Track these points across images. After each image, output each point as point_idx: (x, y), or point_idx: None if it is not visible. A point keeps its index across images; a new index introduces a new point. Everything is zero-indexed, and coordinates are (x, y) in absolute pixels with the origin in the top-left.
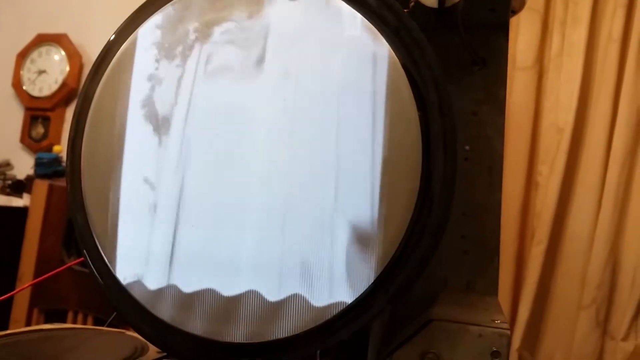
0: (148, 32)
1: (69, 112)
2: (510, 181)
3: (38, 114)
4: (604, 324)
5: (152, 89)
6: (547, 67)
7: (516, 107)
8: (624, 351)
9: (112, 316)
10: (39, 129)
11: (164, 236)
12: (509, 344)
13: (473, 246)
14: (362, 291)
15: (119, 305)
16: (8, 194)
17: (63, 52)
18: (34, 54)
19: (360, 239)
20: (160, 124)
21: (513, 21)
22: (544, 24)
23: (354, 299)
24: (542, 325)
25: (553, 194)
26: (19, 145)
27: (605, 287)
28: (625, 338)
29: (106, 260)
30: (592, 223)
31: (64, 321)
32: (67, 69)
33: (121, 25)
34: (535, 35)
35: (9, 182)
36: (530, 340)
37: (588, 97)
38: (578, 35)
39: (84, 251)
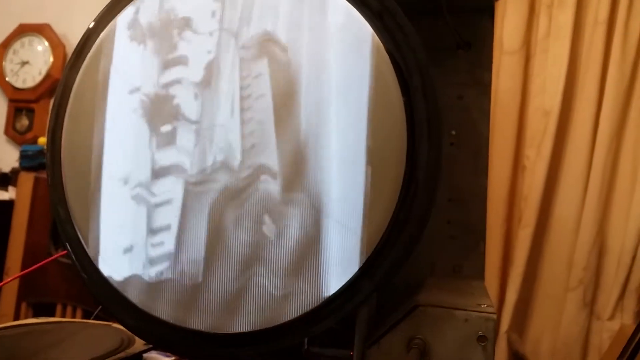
0: (127, 18)
1: None
2: (498, 165)
3: (22, 106)
4: (590, 305)
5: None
6: (534, 51)
7: (503, 91)
8: (610, 330)
9: (98, 309)
10: (24, 121)
11: (147, 228)
12: (495, 328)
13: (459, 231)
14: (348, 279)
15: (102, 298)
16: None
17: (46, 43)
18: (17, 45)
19: (346, 226)
20: (144, 114)
21: (500, 5)
22: (531, 7)
23: (340, 286)
24: (530, 307)
25: (540, 178)
26: (3, 137)
27: (592, 269)
28: (611, 318)
29: (89, 254)
30: (579, 206)
31: (53, 314)
32: (51, 59)
33: (100, 12)
34: (522, 19)
35: None
36: (518, 322)
37: (574, 80)
38: (565, 18)
39: (67, 244)
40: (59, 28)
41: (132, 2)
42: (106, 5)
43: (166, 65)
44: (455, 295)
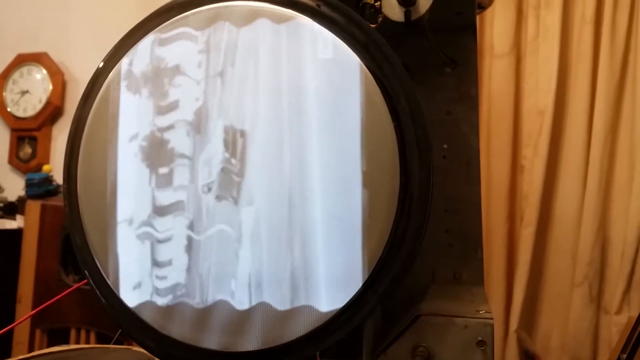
0: (124, 70)
1: (56, 131)
2: (496, 166)
3: (24, 135)
4: (597, 300)
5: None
6: (524, 52)
7: (497, 94)
8: (618, 324)
9: (118, 333)
10: (27, 149)
11: (165, 253)
12: (492, 333)
13: (457, 239)
14: (353, 294)
15: (122, 322)
16: (1, 217)
17: (44, 71)
18: (16, 75)
19: (348, 245)
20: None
21: (487, 9)
22: (518, 10)
23: (347, 301)
24: (537, 306)
25: (539, 176)
26: (8, 167)
27: (596, 263)
28: (618, 311)
29: (107, 281)
30: (579, 201)
31: (67, 339)
32: (50, 87)
33: (108, 53)
34: (510, 21)
35: (1, 204)
36: (527, 320)
37: (566, 79)
38: (552, 18)
39: (86, 272)
40: (56, 56)
41: (135, 46)
42: (114, 46)
43: (160, 112)
44: (456, 302)
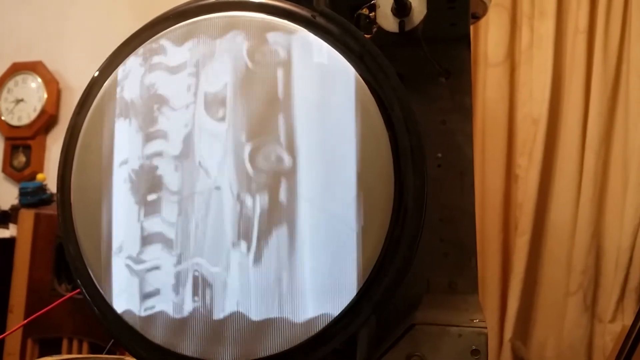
0: (127, 70)
1: (50, 140)
2: (491, 175)
3: (19, 143)
4: (591, 308)
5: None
6: (519, 61)
7: (491, 103)
8: (612, 332)
9: (110, 343)
10: (21, 158)
11: (155, 263)
12: (486, 342)
13: (452, 248)
14: (347, 303)
15: (115, 332)
16: None
17: (39, 80)
18: (10, 83)
19: (342, 254)
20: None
21: (482, 19)
22: (512, 19)
23: (341, 310)
24: (532, 314)
25: (533, 185)
26: (1, 175)
27: (590, 272)
28: (612, 320)
29: (100, 290)
30: (573, 210)
31: (59, 349)
32: (45, 96)
33: (104, 62)
34: (504, 31)
35: None
36: (521, 329)
37: (560, 88)
38: (546, 28)
39: (78, 281)
40: (51, 65)
41: (133, 54)
42: (109, 56)
43: (148, 138)
44: (450, 312)
